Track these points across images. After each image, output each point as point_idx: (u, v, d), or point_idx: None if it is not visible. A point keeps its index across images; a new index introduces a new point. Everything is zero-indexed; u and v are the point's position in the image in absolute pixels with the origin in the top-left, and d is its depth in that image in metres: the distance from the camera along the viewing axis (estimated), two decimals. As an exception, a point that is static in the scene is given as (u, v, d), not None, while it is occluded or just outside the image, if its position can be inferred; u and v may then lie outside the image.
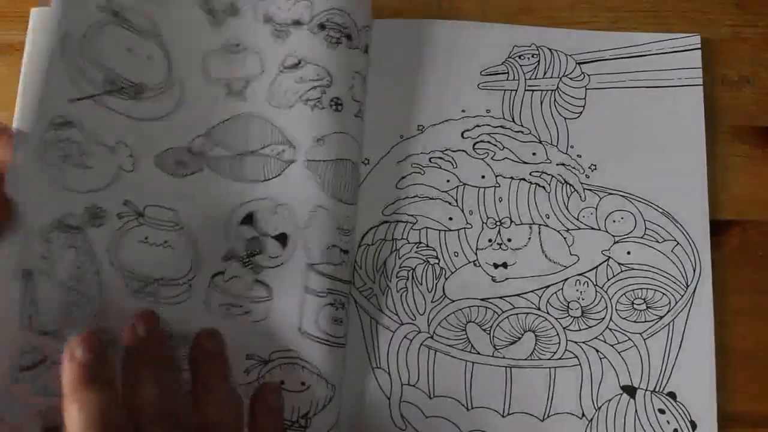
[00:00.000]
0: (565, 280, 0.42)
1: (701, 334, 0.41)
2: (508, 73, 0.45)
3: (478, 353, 0.41)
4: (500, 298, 0.42)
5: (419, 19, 0.45)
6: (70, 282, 0.36)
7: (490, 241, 0.42)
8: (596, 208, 0.43)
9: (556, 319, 0.41)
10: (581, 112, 0.44)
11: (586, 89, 0.44)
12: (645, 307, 0.41)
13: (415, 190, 0.43)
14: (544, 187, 0.43)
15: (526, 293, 0.42)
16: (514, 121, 0.44)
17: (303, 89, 0.41)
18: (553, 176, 0.43)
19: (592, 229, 0.42)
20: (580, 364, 0.41)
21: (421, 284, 0.42)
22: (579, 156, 0.43)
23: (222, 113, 0.41)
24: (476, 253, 0.42)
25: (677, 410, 0.40)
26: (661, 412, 0.40)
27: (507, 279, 0.42)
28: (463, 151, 0.44)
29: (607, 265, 0.42)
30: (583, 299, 0.41)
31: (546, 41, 0.45)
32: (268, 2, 0.42)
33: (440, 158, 0.44)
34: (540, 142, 0.44)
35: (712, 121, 0.44)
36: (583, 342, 0.41)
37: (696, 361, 0.40)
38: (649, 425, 0.40)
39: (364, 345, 0.41)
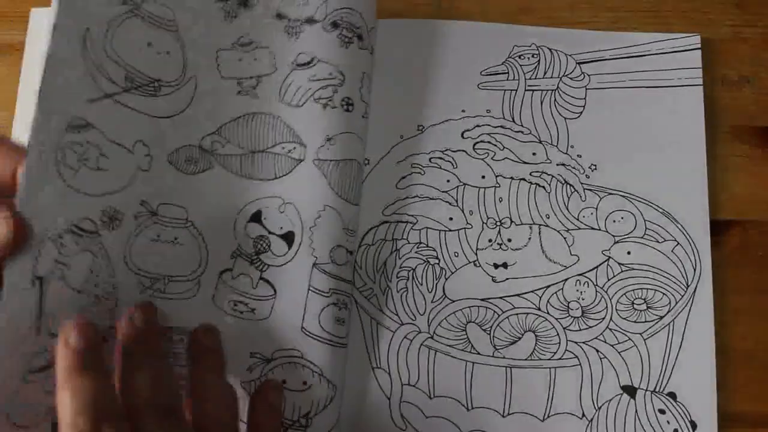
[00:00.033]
0: (566, 280, 0.42)
1: (701, 334, 0.41)
2: (508, 73, 0.45)
3: (479, 353, 0.41)
4: (500, 298, 0.42)
5: (419, 19, 0.45)
6: (85, 286, 0.35)
7: (490, 241, 0.42)
8: (596, 208, 0.43)
9: (557, 319, 0.41)
10: (581, 112, 0.44)
11: (586, 89, 0.44)
12: (645, 307, 0.41)
13: (416, 190, 0.43)
14: (544, 187, 0.43)
15: (526, 293, 0.42)
16: (514, 121, 0.44)
17: (315, 87, 0.41)
18: (553, 176, 0.43)
19: (593, 229, 0.42)
20: (580, 364, 0.41)
21: (422, 284, 0.42)
22: (579, 156, 0.43)
23: (233, 110, 0.40)
24: (476, 253, 0.42)
25: (677, 410, 0.40)
26: (662, 412, 0.40)
27: (507, 279, 0.42)
28: (464, 151, 0.44)
29: (608, 265, 0.42)
30: (583, 299, 0.41)
31: (546, 41, 0.45)
32: None
33: (440, 158, 0.43)
34: (540, 142, 0.44)
35: (712, 121, 0.44)
36: (584, 342, 0.41)
37: (696, 361, 0.40)
38: (649, 425, 0.40)
39: (364, 345, 0.41)
